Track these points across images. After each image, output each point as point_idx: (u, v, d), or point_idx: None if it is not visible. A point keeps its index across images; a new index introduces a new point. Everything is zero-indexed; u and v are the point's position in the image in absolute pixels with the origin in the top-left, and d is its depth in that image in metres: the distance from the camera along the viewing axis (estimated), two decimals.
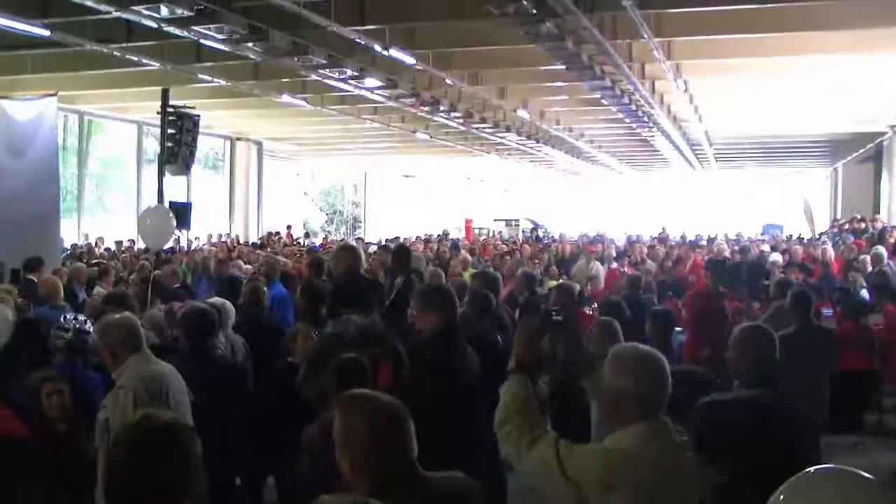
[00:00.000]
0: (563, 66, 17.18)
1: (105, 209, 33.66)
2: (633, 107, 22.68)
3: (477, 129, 28.36)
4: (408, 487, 3.46)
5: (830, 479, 2.43)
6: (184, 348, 7.30)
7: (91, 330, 6.94)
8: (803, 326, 8.66)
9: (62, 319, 7.06)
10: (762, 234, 35.06)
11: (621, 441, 3.81)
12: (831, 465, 2.51)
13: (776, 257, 18.00)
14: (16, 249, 13.49)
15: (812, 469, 2.47)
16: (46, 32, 15.79)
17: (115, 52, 17.58)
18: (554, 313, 4.47)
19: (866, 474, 2.36)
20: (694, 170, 43.37)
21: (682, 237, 31.09)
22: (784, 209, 42.58)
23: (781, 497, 2.37)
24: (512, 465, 4.12)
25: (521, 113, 25.65)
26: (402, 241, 27.51)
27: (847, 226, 27.68)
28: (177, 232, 18.09)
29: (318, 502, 2.60)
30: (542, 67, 19.03)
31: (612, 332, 6.96)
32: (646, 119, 24.94)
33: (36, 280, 11.68)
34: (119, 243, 25.08)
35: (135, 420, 3.07)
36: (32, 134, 16.41)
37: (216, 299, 8.71)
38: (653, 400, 3.89)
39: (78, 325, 6.96)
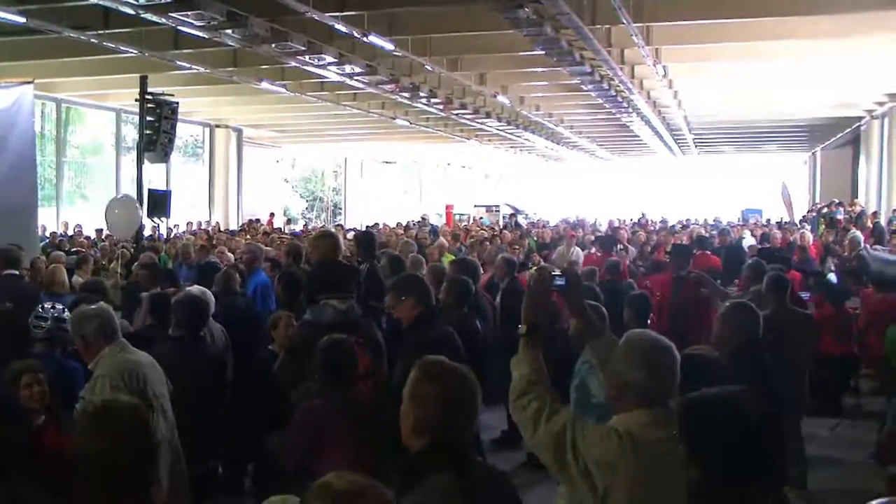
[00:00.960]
0: (543, 52, 17.18)
1: (84, 197, 33.48)
2: (613, 92, 22.72)
3: (457, 115, 28.35)
4: (454, 459, 3.51)
5: None
6: (175, 336, 7.26)
7: (68, 318, 6.91)
8: (779, 309, 8.68)
9: (40, 309, 7.01)
10: (741, 220, 35.16)
11: (627, 424, 3.82)
12: None
13: (749, 239, 18.06)
14: None
15: None
16: (22, 19, 15.71)
17: (92, 39, 17.51)
18: (557, 277, 4.46)
19: None
20: (674, 155, 43.48)
21: (663, 222, 31.16)
22: (763, 194, 42.67)
23: None
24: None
25: (501, 99, 25.63)
26: (380, 227, 27.53)
27: (835, 209, 27.76)
28: (156, 220, 18.02)
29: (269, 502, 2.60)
30: (522, 53, 19.02)
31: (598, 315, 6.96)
32: (625, 105, 24.99)
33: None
34: (99, 231, 24.96)
35: (96, 402, 3.05)
36: (9, 122, 16.27)
37: (195, 287, 8.67)
38: (660, 389, 3.91)
39: (56, 314, 6.91)
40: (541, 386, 4.00)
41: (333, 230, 12.93)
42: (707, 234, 21.38)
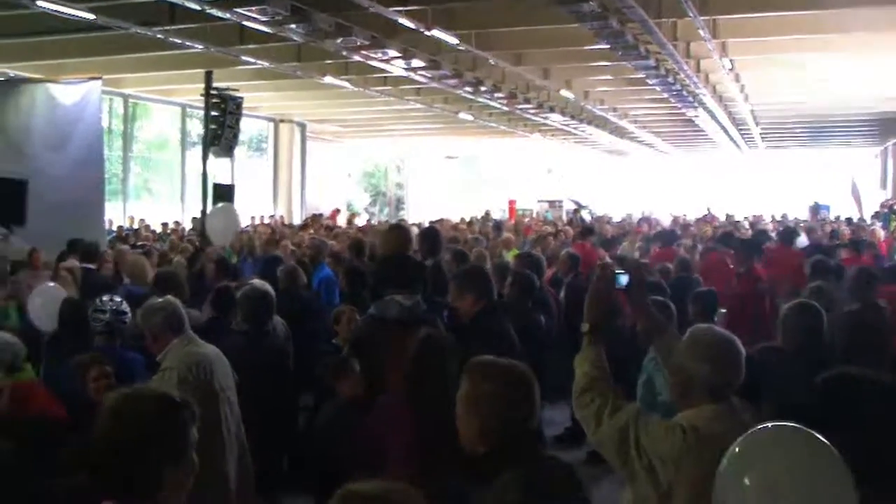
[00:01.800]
0: (608, 46, 17.03)
1: (150, 192, 33.87)
2: (678, 86, 22.46)
3: (520, 109, 28.21)
4: (524, 456, 3.52)
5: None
6: (240, 329, 7.28)
7: (128, 311, 6.96)
8: (869, 304, 8.37)
9: (98, 302, 7.06)
10: (812, 214, 34.58)
11: (692, 419, 3.82)
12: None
13: (802, 240, 17.73)
14: (61, 233, 13.57)
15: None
16: (91, 16, 15.90)
17: (158, 35, 17.69)
18: (619, 275, 4.45)
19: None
20: (740, 150, 42.89)
21: (728, 218, 30.81)
22: (832, 189, 41.94)
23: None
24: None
25: (565, 93, 25.48)
26: (441, 222, 27.48)
27: None
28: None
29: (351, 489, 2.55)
30: (586, 47, 18.85)
31: (665, 312, 6.84)
32: (690, 99, 24.68)
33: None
34: (164, 225, 25.22)
35: (127, 391, 3.00)
36: (77, 117, 16.49)
37: (258, 281, 8.71)
38: (724, 384, 3.90)
39: (114, 307, 6.96)
40: (603, 383, 4.02)
41: (403, 223, 12.89)
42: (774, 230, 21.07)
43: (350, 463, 4.97)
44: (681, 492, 3.70)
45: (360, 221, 35.09)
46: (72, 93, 16.66)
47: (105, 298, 7.13)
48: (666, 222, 27.82)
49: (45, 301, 9.55)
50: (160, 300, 6.22)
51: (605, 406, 3.91)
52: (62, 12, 15.72)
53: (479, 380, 3.64)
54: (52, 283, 11.00)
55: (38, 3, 15.10)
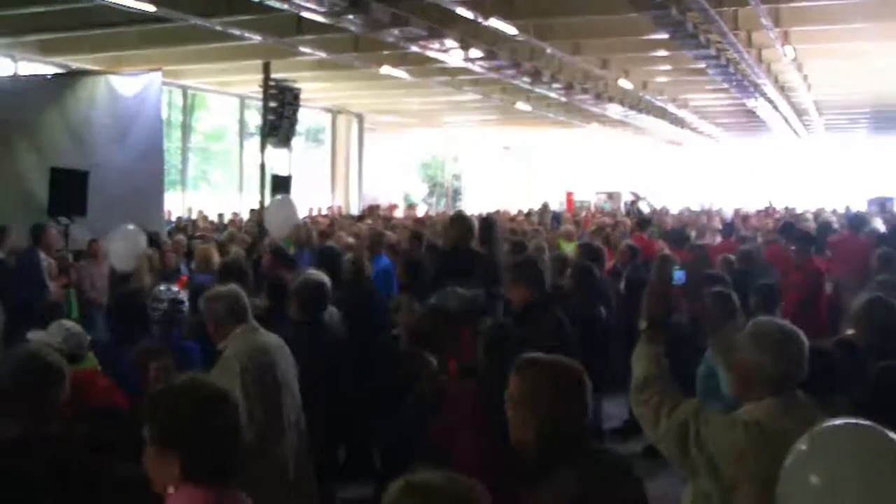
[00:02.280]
0: (667, 35, 16.87)
1: (208, 182, 34.16)
2: (739, 76, 22.17)
3: (578, 100, 28.04)
4: (579, 454, 3.49)
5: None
6: (296, 319, 7.27)
7: (185, 300, 6.98)
8: None
9: (156, 291, 7.09)
10: (872, 205, 34.02)
11: (755, 414, 3.76)
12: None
13: (876, 226, 17.38)
14: (121, 223, 13.70)
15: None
16: (151, 8, 16.02)
17: (217, 27, 17.80)
18: (676, 271, 4.42)
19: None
20: (801, 140, 42.30)
21: (787, 210, 30.44)
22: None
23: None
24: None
25: (624, 83, 25.30)
26: (497, 213, 27.40)
27: None
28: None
29: (421, 477, 2.52)
30: (645, 37, 18.69)
31: (728, 304, 6.74)
32: (751, 88, 24.36)
33: None
34: (220, 216, 25.40)
35: (180, 382, 3.01)
36: (137, 109, 16.67)
37: (314, 271, 8.70)
38: (787, 377, 3.83)
39: (172, 297, 6.98)
40: (661, 381, 3.99)
41: (466, 213, 12.84)
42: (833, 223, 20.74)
43: (422, 455, 4.94)
44: (745, 487, 3.64)
45: (419, 212, 35.13)
46: (132, 85, 16.85)
47: (163, 288, 7.15)
48: (728, 214, 27.54)
49: (127, 243, 9.74)
50: (223, 288, 6.21)
51: (663, 403, 3.89)
52: (122, 4, 15.86)
53: (527, 377, 3.62)
54: (132, 226, 11.21)
55: None
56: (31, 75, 21.51)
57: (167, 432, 2.87)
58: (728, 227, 17.70)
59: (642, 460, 7.70)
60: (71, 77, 19.07)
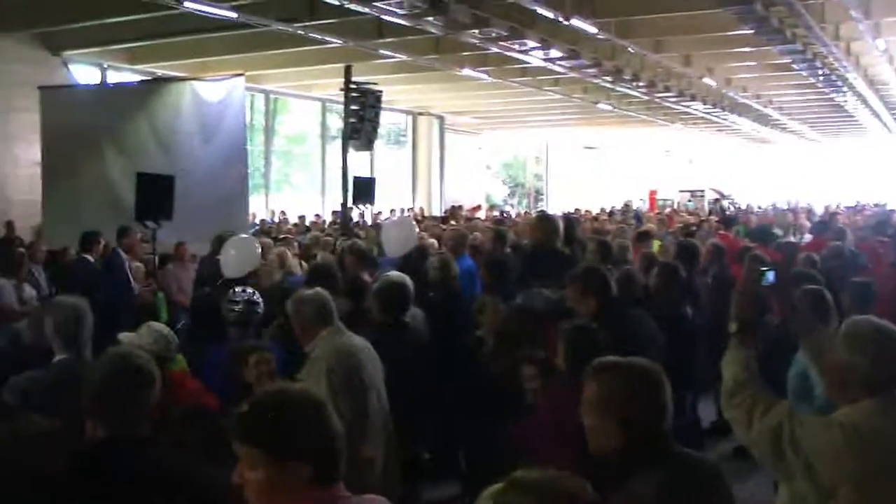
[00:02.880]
0: (751, 31, 16.62)
1: (291, 185, 34.49)
2: (826, 71, 21.75)
3: (660, 98, 27.78)
4: (658, 456, 3.44)
5: None
6: (378, 320, 7.28)
7: (260, 302, 7.04)
8: None
9: (232, 293, 7.14)
10: None
11: (851, 416, 3.66)
12: None
13: None
14: (207, 227, 13.88)
15: None
16: (233, 14, 16.21)
17: (298, 31, 17.96)
18: (766, 272, 4.32)
19: None
20: (892, 135, 41.34)
21: (877, 206, 29.87)
22: None
23: None
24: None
25: (707, 81, 25.01)
26: (579, 213, 27.27)
27: None
28: (360, 207, 18.32)
29: (529, 475, 2.48)
30: (729, 33, 18.44)
31: (821, 304, 6.59)
32: (839, 83, 23.89)
33: None
34: (302, 218, 25.60)
35: (282, 393, 3.02)
36: (222, 114, 16.83)
37: (395, 273, 8.71)
38: (885, 377, 3.71)
39: (247, 297, 7.03)
40: (752, 385, 3.90)
41: (551, 213, 12.80)
42: None
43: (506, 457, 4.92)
44: (844, 490, 3.54)
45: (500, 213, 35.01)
46: (216, 90, 17.02)
47: (238, 289, 7.22)
48: (817, 212, 27.09)
49: (238, 250, 9.89)
50: (310, 291, 6.28)
51: (755, 406, 3.80)
52: (206, 12, 16.10)
53: (603, 381, 3.57)
54: (244, 236, 11.38)
55: (185, 4, 15.45)
56: (118, 83, 21.94)
57: (289, 445, 2.87)
58: (821, 225, 17.34)
59: (732, 462, 7.62)
60: (157, 84, 19.37)
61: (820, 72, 21.58)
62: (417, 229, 14.76)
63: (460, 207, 32.93)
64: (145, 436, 3.90)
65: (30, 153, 18.76)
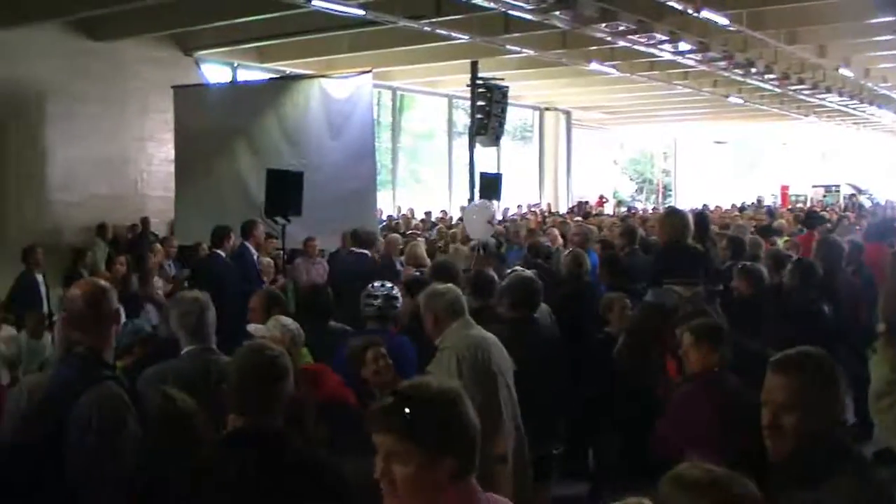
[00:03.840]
0: (892, 18, 16.08)
1: (417, 181, 34.70)
2: None
3: (794, 90, 27.11)
4: (850, 463, 3.18)
5: None
6: (507, 316, 7.24)
7: (399, 296, 7.07)
8: None
9: (371, 287, 7.17)
10: None
11: None
12: None
13: None
14: (336, 222, 14.05)
15: None
16: (361, 12, 16.34)
17: (425, 28, 18.02)
18: None
19: None
20: None
21: None
22: None
23: None
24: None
25: (843, 72, 24.33)
26: (709, 209, 26.85)
27: None
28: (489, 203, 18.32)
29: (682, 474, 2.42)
30: (867, 21, 17.91)
31: None
32: None
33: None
34: (428, 214, 25.72)
35: (423, 386, 2.97)
36: (350, 111, 16.96)
37: (523, 269, 8.65)
38: None
39: (386, 292, 7.06)
40: None
41: (681, 208, 12.59)
42: None
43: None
44: None
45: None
46: (344, 87, 17.16)
47: (377, 284, 7.24)
48: None
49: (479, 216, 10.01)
50: (443, 286, 6.37)
51: None
52: (333, 10, 16.26)
53: (795, 375, 3.25)
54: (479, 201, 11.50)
55: (313, 2, 15.63)
56: (248, 81, 22.34)
57: (446, 440, 2.84)
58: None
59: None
60: (285, 81, 19.65)
61: None
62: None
63: (587, 203, 32.75)
64: (278, 428, 3.98)
65: (162, 151, 19.31)
